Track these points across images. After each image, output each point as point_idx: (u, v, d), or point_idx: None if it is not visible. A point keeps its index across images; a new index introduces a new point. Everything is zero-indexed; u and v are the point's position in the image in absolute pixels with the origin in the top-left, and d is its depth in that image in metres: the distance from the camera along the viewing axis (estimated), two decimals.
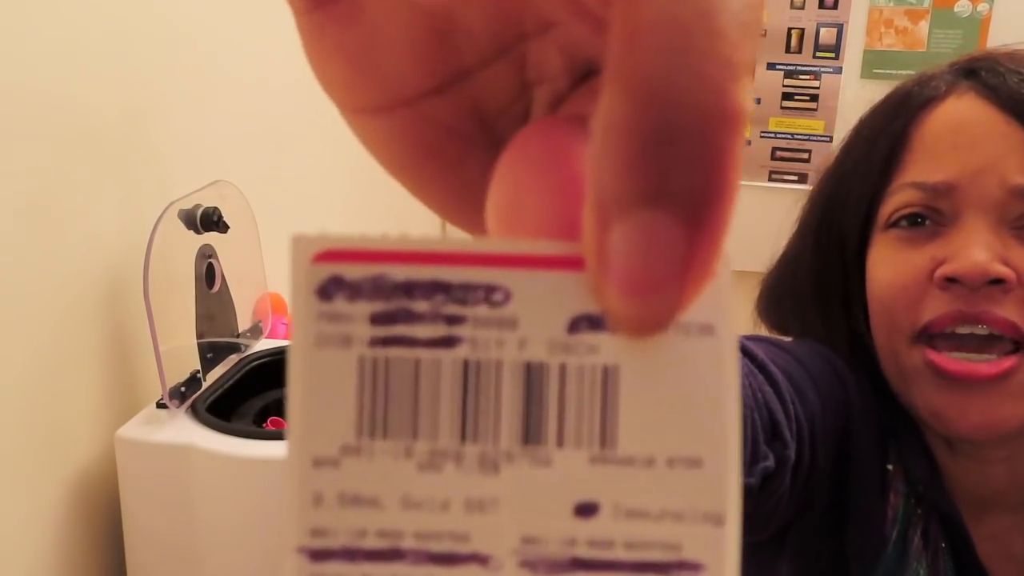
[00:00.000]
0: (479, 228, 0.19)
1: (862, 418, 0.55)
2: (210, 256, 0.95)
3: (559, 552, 0.13)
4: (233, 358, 0.99)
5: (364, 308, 0.13)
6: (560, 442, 0.13)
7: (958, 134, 0.52)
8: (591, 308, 0.13)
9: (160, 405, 0.89)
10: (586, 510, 0.13)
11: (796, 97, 2.33)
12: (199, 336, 0.93)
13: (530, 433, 0.13)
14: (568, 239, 0.13)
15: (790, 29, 2.30)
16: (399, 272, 0.13)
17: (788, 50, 2.31)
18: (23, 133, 0.81)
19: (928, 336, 0.51)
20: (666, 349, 0.13)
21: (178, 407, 0.89)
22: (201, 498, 0.86)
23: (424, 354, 0.13)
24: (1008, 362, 0.49)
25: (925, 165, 0.53)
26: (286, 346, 1.02)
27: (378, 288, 0.13)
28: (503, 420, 0.13)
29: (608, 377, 0.13)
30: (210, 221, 0.92)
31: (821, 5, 2.27)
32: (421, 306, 0.13)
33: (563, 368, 0.13)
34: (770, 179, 2.37)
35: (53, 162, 0.84)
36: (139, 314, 0.87)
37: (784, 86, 2.32)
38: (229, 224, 0.94)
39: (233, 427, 0.89)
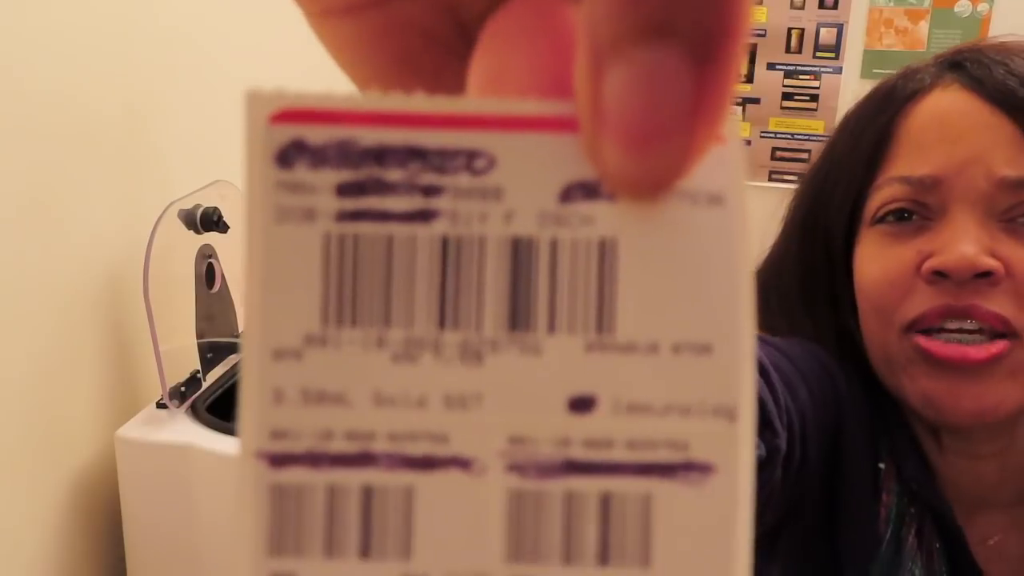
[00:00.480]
0: None
1: (853, 415, 0.55)
2: (210, 256, 0.95)
3: (551, 453, 0.11)
4: (233, 358, 0.99)
5: (329, 177, 0.11)
6: (551, 327, 0.11)
7: (943, 127, 0.52)
8: (586, 173, 0.11)
9: (160, 405, 0.89)
10: (581, 405, 0.11)
11: (796, 97, 2.33)
12: (199, 336, 0.94)
13: (517, 318, 0.11)
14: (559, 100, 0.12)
15: (790, 29, 2.30)
16: (369, 136, 0.11)
17: (788, 50, 2.31)
18: (23, 133, 0.81)
19: (917, 331, 0.51)
20: (671, 220, 0.11)
21: (178, 407, 0.89)
22: (201, 498, 0.86)
23: (397, 230, 0.11)
24: (998, 346, 0.49)
25: (911, 159, 0.53)
26: None
27: (345, 154, 0.11)
28: (487, 304, 0.11)
29: (605, 252, 0.11)
30: (210, 221, 0.92)
31: (821, 5, 2.27)
32: (394, 175, 0.11)
33: (554, 243, 0.11)
34: (770, 179, 2.37)
35: (53, 162, 0.84)
36: (139, 314, 0.87)
37: (784, 86, 2.32)
38: (229, 224, 0.94)
39: (233, 427, 0.89)
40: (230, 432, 0.87)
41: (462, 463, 0.11)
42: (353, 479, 0.11)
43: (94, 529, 0.91)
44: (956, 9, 2.21)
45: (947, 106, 0.53)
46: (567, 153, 0.11)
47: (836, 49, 2.29)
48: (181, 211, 0.91)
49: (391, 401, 0.11)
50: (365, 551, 0.11)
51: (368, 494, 0.11)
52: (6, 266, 0.79)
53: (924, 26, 2.23)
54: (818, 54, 2.30)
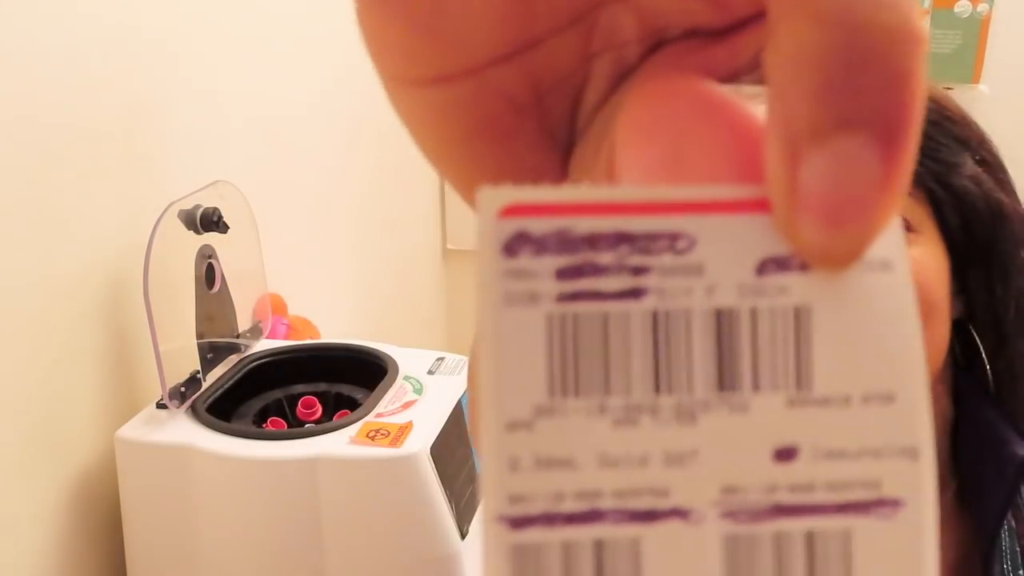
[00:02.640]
0: None
1: None
2: (210, 256, 0.95)
3: (760, 500, 0.13)
4: (233, 358, 0.99)
5: (549, 263, 0.13)
6: (756, 386, 0.13)
7: None
8: (777, 250, 0.13)
9: (160, 405, 0.89)
10: (786, 455, 0.13)
11: None
12: (199, 336, 0.93)
13: (725, 380, 0.13)
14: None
15: None
16: (583, 224, 0.13)
17: None
18: (23, 133, 0.81)
19: None
20: (854, 286, 0.13)
21: (178, 407, 0.89)
22: (201, 498, 0.86)
23: (612, 307, 0.13)
24: None
25: None
26: (288, 346, 1.03)
27: (563, 242, 0.13)
28: (696, 368, 0.13)
29: (800, 317, 0.13)
30: (210, 221, 0.92)
31: None
32: (606, 258, 0.13)
33: (754, 311, 0.13)
34: None
35: (53, 162, 0.84)
36: (139, 314, 0.87)
37: None
38: (229, 224, 0.94)
39: (233, 427, 0.89)
40: (230, 432, 0.87)
41: (682, 514, 0.13)
42: (585, 535, 0.13)
43: (94, 529, 0.91)
44: (956, 10, 2.21)
45: None
46: (759, 231, 0.13)
47: None
48: (181, 211, 0.91)
49: (615, 462, 0.13)
50: None
51: (599, 547, 0.13)
52: (6, 266, 0.79)
53: (924, 26, 2.23)
54: None
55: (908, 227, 0.53)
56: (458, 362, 1.01)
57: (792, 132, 0.12)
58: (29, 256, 0.82)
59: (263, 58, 1.20)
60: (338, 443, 0.84)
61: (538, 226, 0.13)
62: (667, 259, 0.13)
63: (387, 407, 0.91)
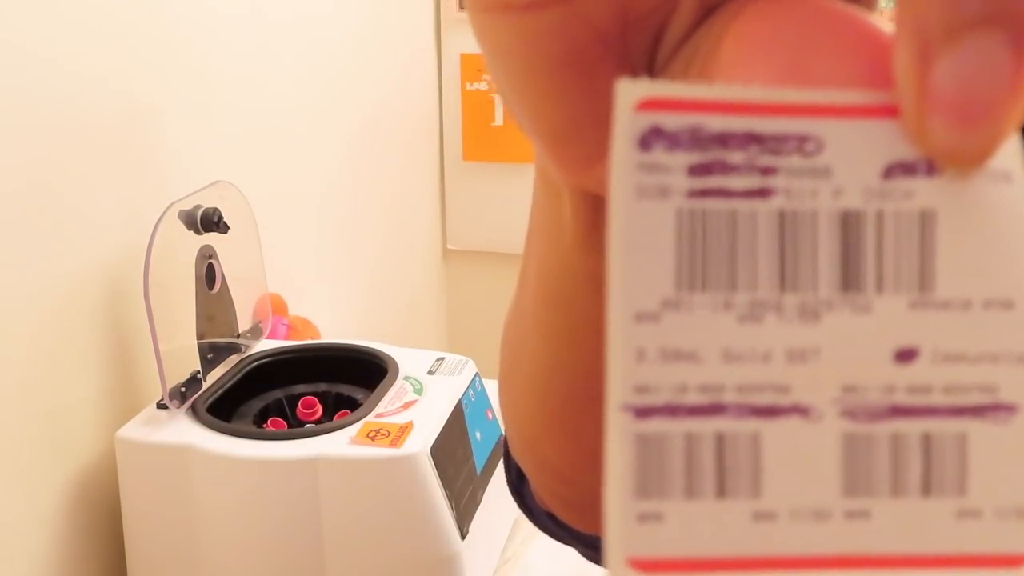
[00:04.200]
0: (583, 145, 0.18)
1: None
2: (210, 256, 0.95)
3: (879, 400, 0.13)
4: (233, 359, 0.99)
5: (682, 159, 0.13)
6: (879, 288, 0.13)
7: None
8: (904, 154, 0.13)
9: (160, 405, 0.89)
10: (906, 356, 0.13)
11: None
12: (199, 336, 0.93)
13: (849, 280, 0.13)
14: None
15: None
16: (716, 122, 0.13)
17: None
18: (23, 133, 0.81)
19: None
20: (977, 195, 0.13)
21: (178, 407, 0.89)
22: (201, 498, 0.86)
23: (740, 205, 0.13)
24: None
25: None
26: (288, 346, 1.03)
27: (695, 139, 0.13)
28: (821, 268, 0.13)
29: (925, 221, 0.13)
30: (210, 221, 0.92)
31: None
32: (736, 157, 0.13)
33: (880, 214, 0.13)
34: None
35: (53, 162, 0.84)
36: (139, 314, 0.87)
37: None
38: (229, 224, 0.94)
39: (233, 427, 0.89)
40: (230, 432, 0.87)
41: (801, 410, 0.13)
42: (707, 427, 0.13)
43: (94, 529, 0.91)
44: None
45: None
46: (886, 136, 0.13)
47: None
48: (181, 211, 0.91)
49: (738, 357, 0.13)
50: (720, 491, 0.13)
51: (720, 440, 0.13)
52: (6, 266, 0.79)
53: None
54: None
55: None
56: (458, 362, 1.01)
57: (924, 32, 0.12)
58: (29, 256, 0.82)
59: (264, 58, 1.20)
60: (338, 443, 0.84)
61: (672, 121, 0.13)
62: (795, 160, 0.13)
63: (387, 407, 0.91)
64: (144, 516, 0.89)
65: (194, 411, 0.90)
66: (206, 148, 1.08)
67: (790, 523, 0.13)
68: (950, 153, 0.13)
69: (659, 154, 0.13)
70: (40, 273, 0.83)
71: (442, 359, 1.01)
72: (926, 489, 0.13)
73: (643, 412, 0.13)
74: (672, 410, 0.13)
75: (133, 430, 0.87)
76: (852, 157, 0.13)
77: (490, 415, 1.02)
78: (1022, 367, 0.13)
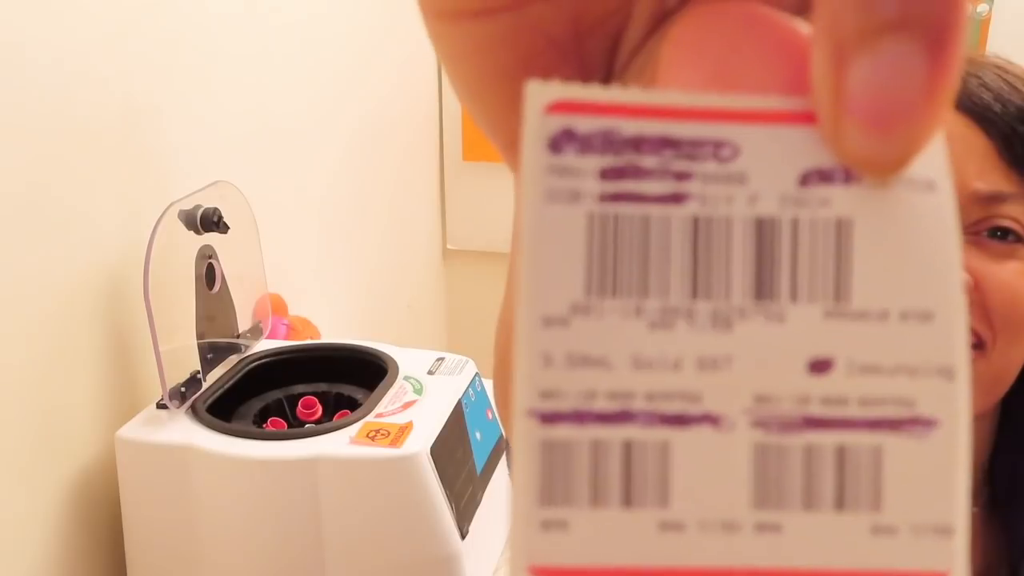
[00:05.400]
0: None
1: None
2: (210, 256, 0.95)
3: (792, 410, 0.13)
4: (233, 358, 0.99)
5: (594, 162, 0.13)
6: (794, 297, 0.13)
7: None
8: (821, 161, 0.13)
9: (160, 405, 0.89)
10: (820, 367, 0.13)
11: None
12: (199, 336, 0.93)
13: (763, 288, 0.13)
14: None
15: None
16: (629, 126, 0.13)
17: None
18: (23, 133, 0.81)
19: None
20: (896, 203, 0.13)
21: (178, 407, 0.89)
22: (201, 498, 0.86)
23: (653, 210, 0.13)
24: None
25: None
26: (288, 346, 1.03)
27: (608, 142, 0.13)
28: (735, 276, 0.13)
29: (841, 229, 0.13)
30: (210, 221, 0.92)
31: None
32: (650, 161, 0.13)
33: (795, 222, 0.13)
34: None
35: (53, 162, 0.84)
36: (139, 314, 0.87)
37: None
38: (229, 224, 0.94)
39: (233, 427, 0.89)
40: (230, 432, 0.87)
41: (712, 420, 0.13)
42: (615, 435, 0.13)
43: (94, 529, 0.91)
44: None
45: None
46: (804, 143, 0.13)
47: None
48: (181, 211, 0.91)
49: (648, 364, 0.13)
50: (627, 500, 0.13)
51: (628, 448, 0.13)
52: (6, 266, 0.79)
53: None
54: None
55: (1019, 237, 0.51)
56: (458, 362, 1.01)
57: (839, 36, 0.12)
58: (29, 256, 0.82)
59: (264, 58, 1.20)
60: (338, 443, 0.84)
61: (584, 124, 0.13)
62: (711, 166, 0.13)
63: (387, 407, 0.91)
64: (144, 516, 0.89)
65: (194, 411, 0.90)
66: (206, 148, 1.08)
67: (698, 534, 0.12)
68: (865, 160, 0.12)
69: (570, 157, 0.13)
70: (40, 273, 0.83)
71: (442, 359, 1.01)
72: (840, 503, 0.13)
73: (549, 418, 0.13)
74: (579, 417, 0.13)
75: (133, 430, 0.87)
76: (768, 164, 0.13)
77: (490, 415, 1.02)
78: (941, 380, 0.13)
